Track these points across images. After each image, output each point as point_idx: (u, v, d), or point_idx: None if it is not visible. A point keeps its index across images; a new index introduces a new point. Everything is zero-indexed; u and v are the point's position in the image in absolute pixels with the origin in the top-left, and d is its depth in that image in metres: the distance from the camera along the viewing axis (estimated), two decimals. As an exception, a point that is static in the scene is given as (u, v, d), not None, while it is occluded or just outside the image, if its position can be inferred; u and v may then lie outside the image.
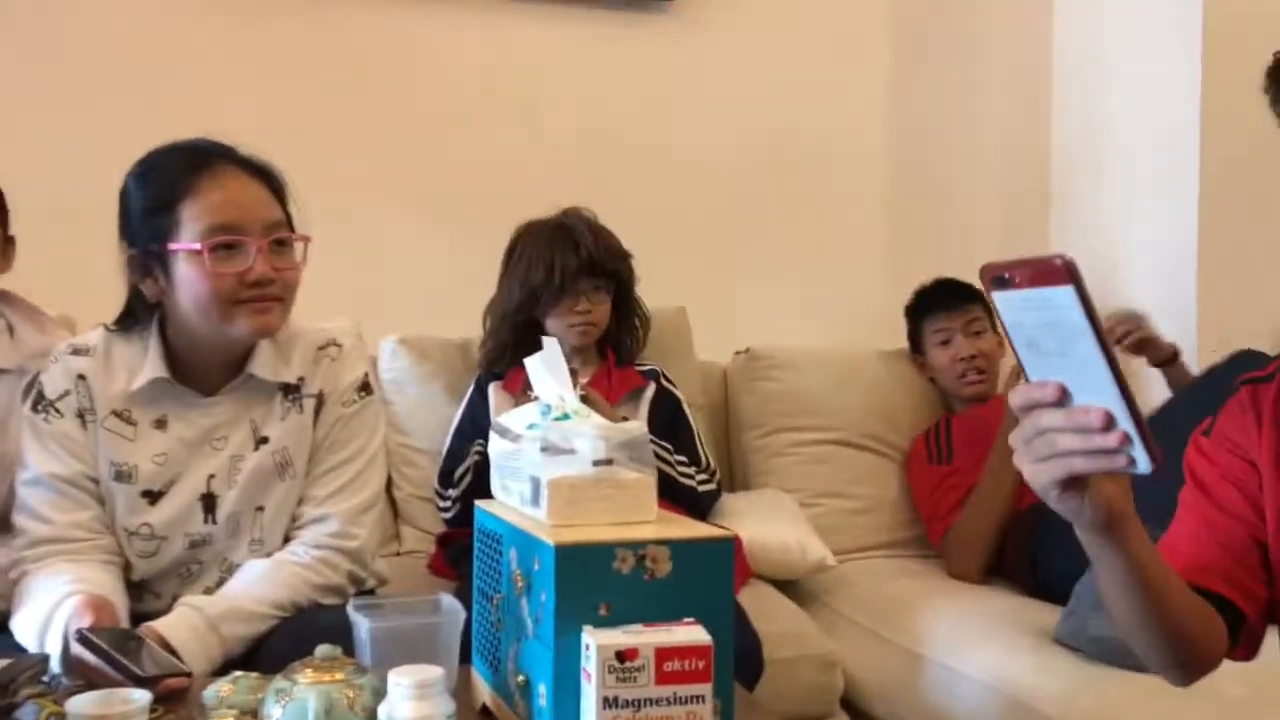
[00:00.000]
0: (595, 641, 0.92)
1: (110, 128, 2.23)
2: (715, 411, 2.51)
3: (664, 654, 0.92)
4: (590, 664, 0.92)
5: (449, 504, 2.01)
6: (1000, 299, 0.78)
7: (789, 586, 2.12)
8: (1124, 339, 2.21)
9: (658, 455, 1.84)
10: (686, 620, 0.96)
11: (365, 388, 1.58)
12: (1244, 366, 1.23)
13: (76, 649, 1.22)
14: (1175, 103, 2.52)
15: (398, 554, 2.18)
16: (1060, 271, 0.72)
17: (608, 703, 0.91)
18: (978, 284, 2.51)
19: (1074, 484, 0.82)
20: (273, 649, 1.35)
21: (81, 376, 1.48)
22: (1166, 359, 2.25)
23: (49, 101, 2.33)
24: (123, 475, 1.47)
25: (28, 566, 1.42)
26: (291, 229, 1.48)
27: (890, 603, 2.09)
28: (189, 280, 1.41)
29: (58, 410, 1.47)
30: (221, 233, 1.40)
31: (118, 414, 1.48)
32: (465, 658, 1.21)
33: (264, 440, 1.50)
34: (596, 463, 1.06)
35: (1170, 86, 2.54)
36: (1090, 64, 2.84)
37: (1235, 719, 1.46)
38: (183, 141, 1.47)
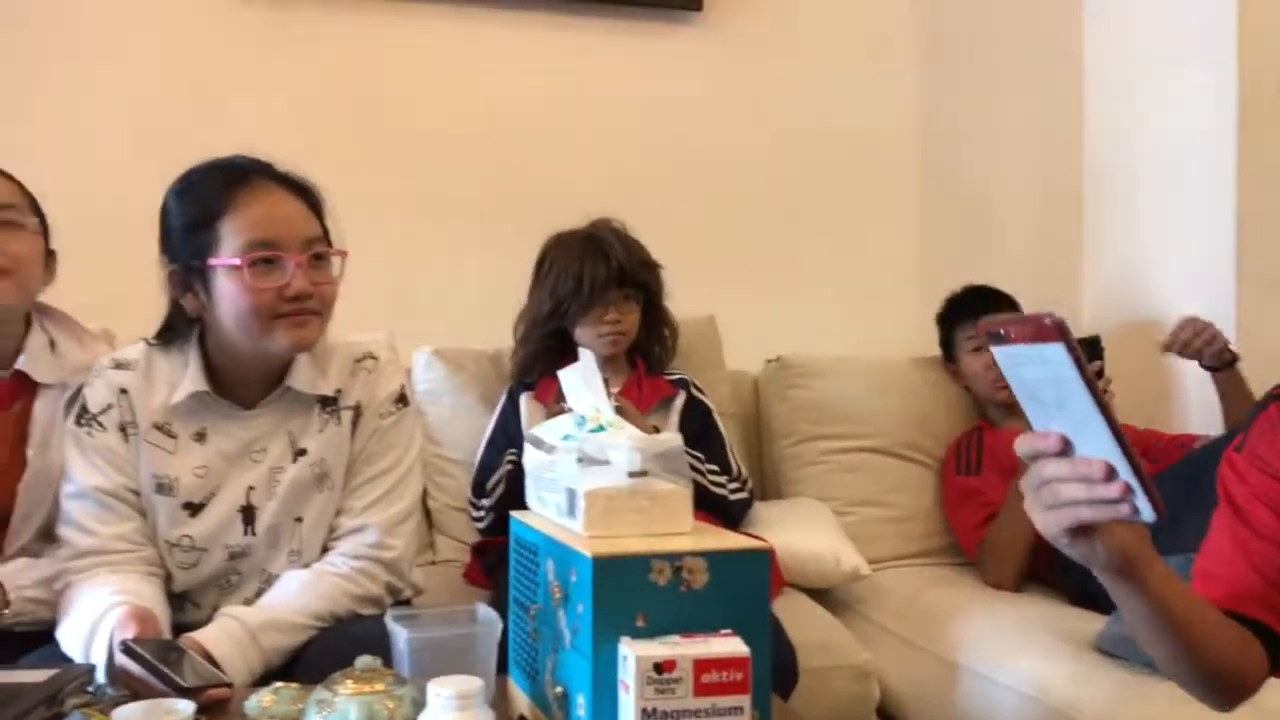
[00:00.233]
0: (634, 653, 0.92)
1: (149, 144, 2.27)
2: (746, 420, 2.51)
3: (702, 665, 0.92)
4: (629, 675, 0.93)
5: (482, 514, 2.02)
6: (999, 353, 0.80)
7: (823, 595, 2.12)
8: (1189, 346, 2.17)
9: (689, 465, 1.84)
10: (724, 631, 0.97)
11: (401, 399, 1.59)
12: None
13: (121, 659, 1.24)
14: (1210, 108, 2.49)
15: (433, 563, 2.20)
16: (1050, 329, 0.75)
17: (647, 714, 0.91)
18: (1010, 291, 2.50)
19: (1084, 531, 0.84)
20: (311, 659, 1.37)
21: (123, 390, 1.50)
22: (1225, 363, 2.21)
23: (89, 120, 2.37)
24: (164, 488, 1.49)
25: (72, 578, 1.44)
26: (329, 244, 1.50)
27: (926, 611, 2.08)
28: (228, 295, 1.43)
29: (100, 424, 1.49)
30: (260, 248, 1.41)
31: (159, 427, 1.50)
32: (502, 668, 1.22)
33: (302, 452, 1.52)
34: (632, 474, 1.07)
35: (1204, 91, 2.51)
36: (1121, 69, 2.81)
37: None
38: (222, 159, 1.49)
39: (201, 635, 1.34)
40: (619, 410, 1.21)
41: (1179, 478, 1.91)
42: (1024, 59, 2.92)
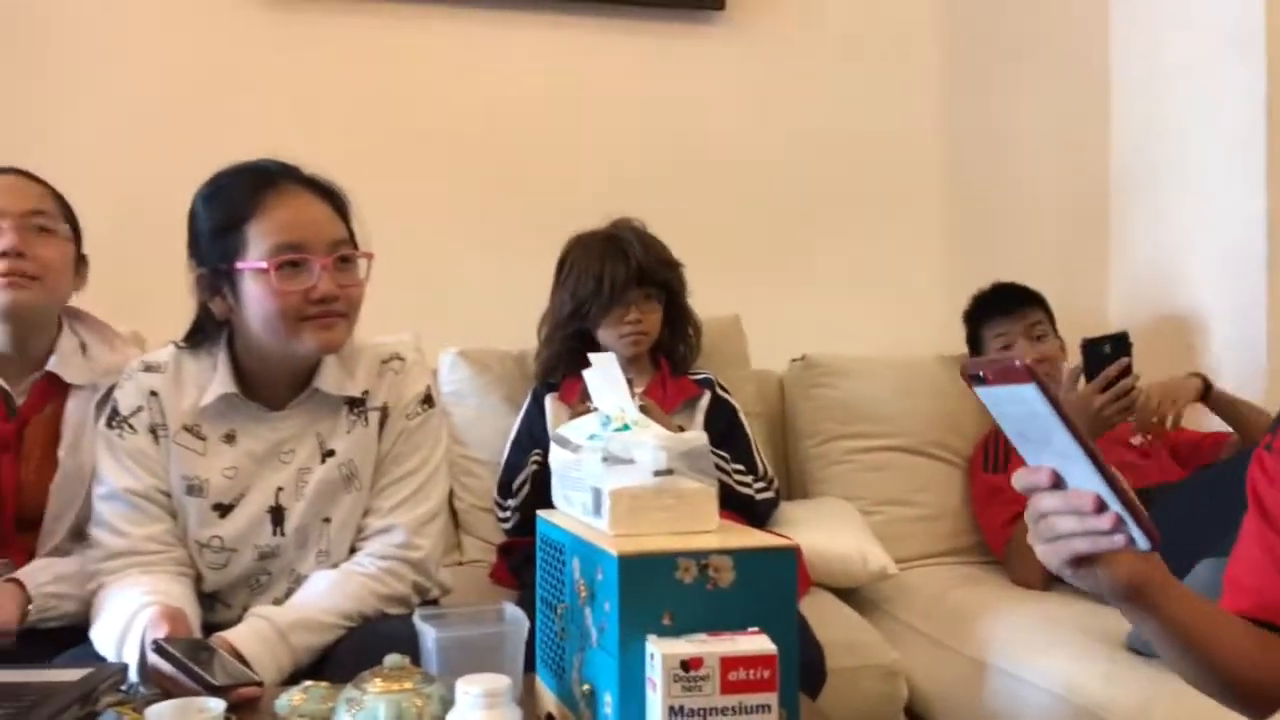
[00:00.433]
0: (660, 651, 0.92)
1: (177, 149, 2.30)
2: (772, 420, 2.51)
3: (729, 663, 0.92)
4: (655, 673, 0.93)
5: (508, 514, 2.03)
6: (982, 394, 0.82)
7: (850, 595, 2.11)
8: (1162, 423, 2.13)
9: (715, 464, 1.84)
10: (750, 630, 0.96)
11: (428, 400, 1.60)
12: None
13: (153, 658, 1.25)
14: (1240, 105, 2.47)
15: (460, 564, 2.21)
16: (1020, 371, 0.78)
17: (674, 712, 0.92)
18: (1037, 288, 2.48)
19: (1086, 561, 0.84)
20: (340, 658, 1.37)
21: (153, 393, 1.51)
22: (1200, 398, 2.18)
23: (116, 125, 2.40)
24: (194, 489, 1.50)
25: (104, 579, 1.46)
26: (355, 246, 1.51)
27: (953, 610, 2.07)
28: (256, 298, 1.44)
29: (131, 426, 1.51)
30: (287, 251, 1.43)
31: (188, 429, 1.51)
32: (529, 666, 1.22)
33: (330, 453, 1.53)
34: (657, 473, 1.07)
35: (1233, 89, 2.49)
36: (1148, 66, 2.79)
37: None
38: (248, 162, 1.50)
39: (232, 635, 1.36)
40: (643, 410, 1.21)
41: (1211, 480, 1.90)
42: (1050, 56, 2.91)
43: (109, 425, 1.52)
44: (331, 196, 1.51)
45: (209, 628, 1.43)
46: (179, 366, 1.54)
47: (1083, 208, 2.92)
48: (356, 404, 1.55)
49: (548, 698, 1.18)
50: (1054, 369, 2.34)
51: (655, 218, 2.15)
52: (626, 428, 1.13)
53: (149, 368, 1.53)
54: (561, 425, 1.37)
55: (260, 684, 1.25)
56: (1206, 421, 2.45)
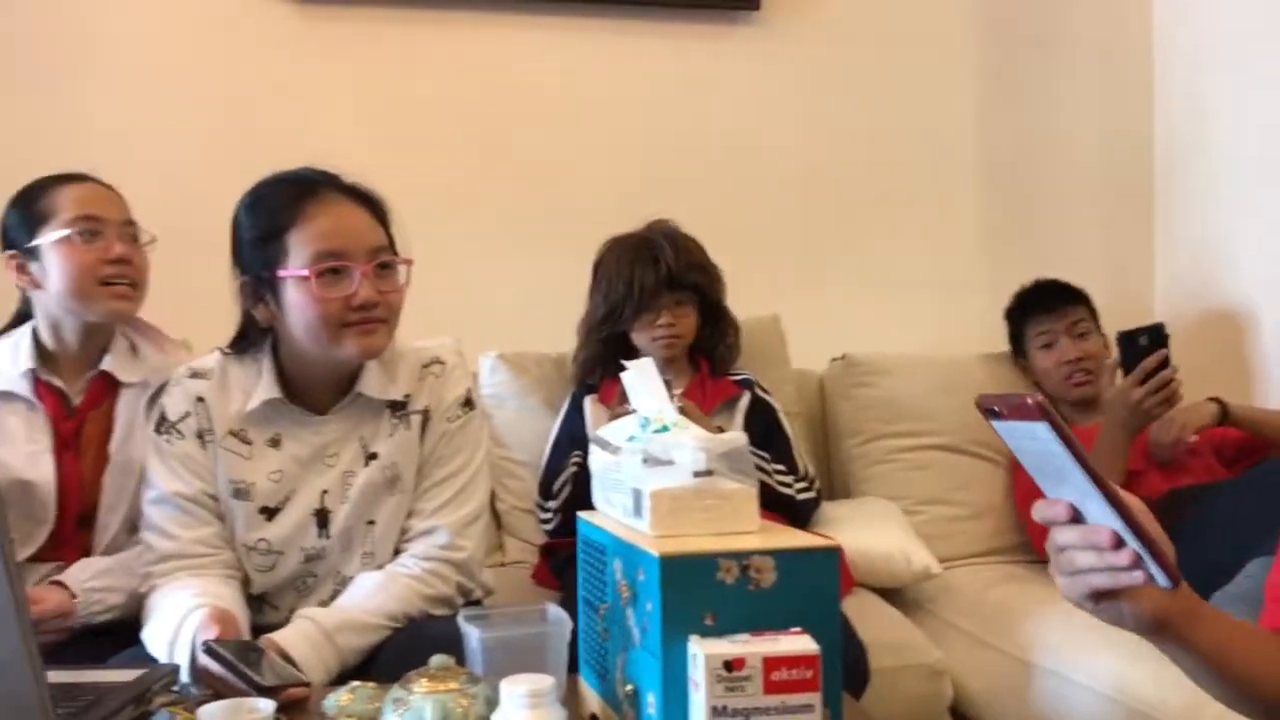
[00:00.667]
0: (703, 651, 0.92)
1: (220, 159, 2.34)
2: (812, 419, 2.50)
3: (772, 663, 0.92)
4: (698, 673, 0.93)
5: (549, 515, 2.04)
6: (998, 428, 0.83)
7: (893, 595, 2.10)
8: (1178, 445, 2.11)
9: (755, 465, 1.84)
10: (793, 630, 0.96)
11: (468, 403, 1.61)
12: None
13: (203, 660, 1.28)
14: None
15: (502, 565, 2.22)
16: (1033, 410, 0.77)
17: (717, 711, 0.92)
18: (1080, 283, 2.45)
19: (1109, 595, 0.83)
20: (386, 659, 1.39)
21: (200, 399, 1.54)
22: (1216, 423, 2.15)
23: (160, 137, 2.44)
24: (241, 492, 1.53)
25: (155, 581, 1.48)
26: (394, 252, 1.53)
27: (998, 610, 2.05)
28: (298, 305, 1.46)
29: (179, 431, 1.53)
30: (328, 259, 1.45)
31: (234, 434, 1.54)
32: (572, 667, 1.23)
33: (373, 456, 1.54)
34: (697, 474, 1.07)
35: (1278, 74, 2.44)
36: (1193, 48, 2.74)
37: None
38: (289, 171, 1.52)
39: (280, 636, 1.38)
40: (682, 411, 1.22)
41: (1260, 479, 1.87)
42: (1089, 45, 2.87)
43: (157, 431, 1.55)
44: (371, 203, 1.53)
45: (257, 629, 1.45)
46: (225, 373, 1.56)
47: (1126, 200, 2.88)
48: (398, 407, 1.56)
49: (591, 698, 1.19)
50: (1097, 366, 2.31)
51: (693, 219, 2.15)
52: (665, 429, 1.13)
53: (196, 374, 1.56)
54: (600, 427, 1.37)
55: (308, 684, 1.26)
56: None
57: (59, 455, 1.64)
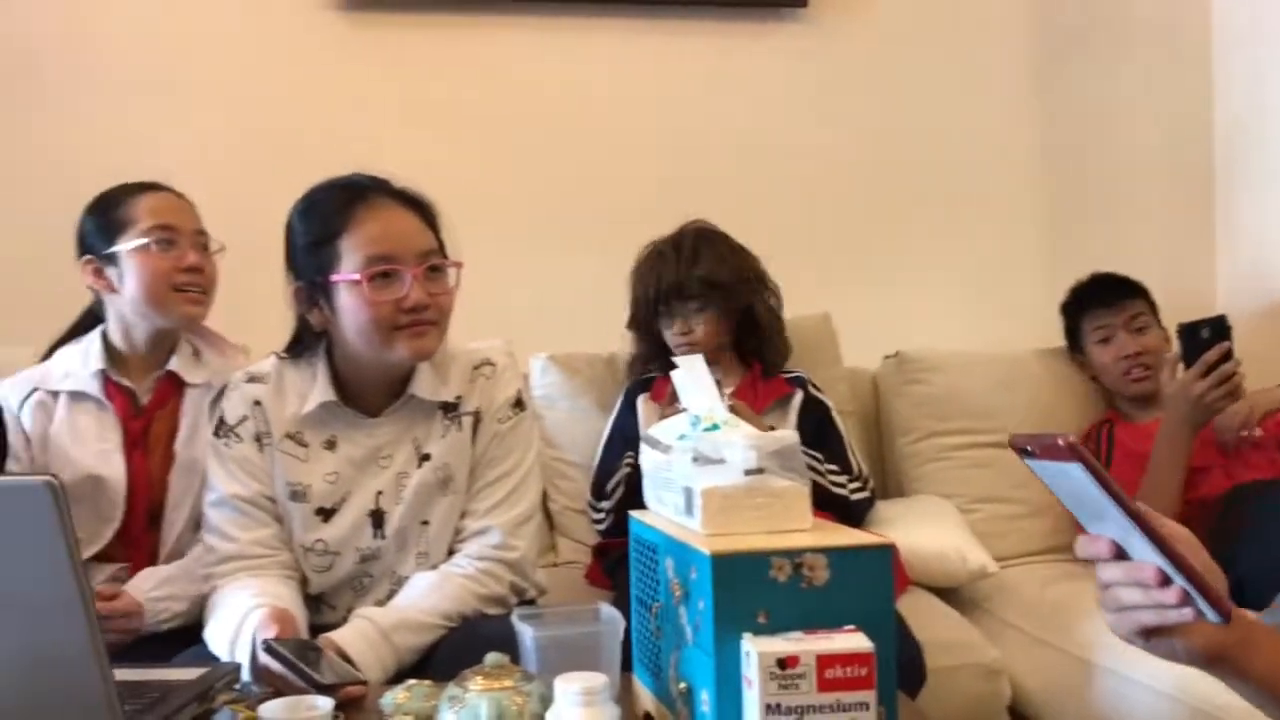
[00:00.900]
0: (756, 649, 0.92)
1: (274, 166, 2.37)
2: (865, 417, 2.48)
3: (825, 661, 0.92)
4: (751, 671, 0.93)
5: (602, 515, 2.05)
6: (1033, 466, 0.81)
7: (950, 594, 2.07)
8: (1243, 430, 2.08)
9: (807, 465, 1.83)
10: (847, 628, 0.96)
11: (519, 404, 1.62)
12: None
13: (263, 658, 1.30)
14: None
15: (555, 565, 2.23)
16: (1064, 450, 0.76)
17: (770, 709, 0.91)
18: (1139, 277, 2.40)
19: (1159, 630, 0.81)
20: (442, 658, 1.41)
21: (257, 402, 1.57)
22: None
23: (214, 145, 2.48)
24: (298, 494, 1.55)
25: (216, 581, 1.52)
26: (444, 255, 1.54)
27: (1056, 608, 2.02)
28: (350, 309, 1.48)
29: (237, 435, 1.56)
30: (379, 263, 1.46)
31: (291, 436, 1.56)
32: (625, 665, 1.23)
33: (426, 457, 1.56)
34: (748, 472, 1.07)
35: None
36: (1254, 36, 2.67)
37: None
38: (340, 178, 1.55)
39: (337, 635, 1.40)
40: (732, 410, 1.21)
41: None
42: (1146, 32, 2.81)
43: (216, 434, 1.58)
44: (420, 207, 1.55)
45: (315, 629, 1.47)
46: (280, 376, 1.59)
47: (1186, 190, 2.82)
48: (450, 409, 1.58)
49: (645, 696, 1.19)
50: (1156, 361, 2.26)
51: (741, 218, 2.15)
52: (716, 427, 1.13)
53: (253, 379, 1.59)
54: (652, 426, 1.37)
55: (365, 683, 1.28)
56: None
57: (128, 453, 1.70)
